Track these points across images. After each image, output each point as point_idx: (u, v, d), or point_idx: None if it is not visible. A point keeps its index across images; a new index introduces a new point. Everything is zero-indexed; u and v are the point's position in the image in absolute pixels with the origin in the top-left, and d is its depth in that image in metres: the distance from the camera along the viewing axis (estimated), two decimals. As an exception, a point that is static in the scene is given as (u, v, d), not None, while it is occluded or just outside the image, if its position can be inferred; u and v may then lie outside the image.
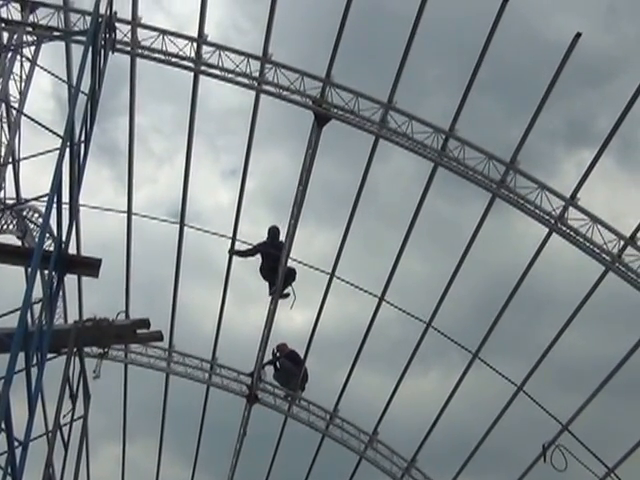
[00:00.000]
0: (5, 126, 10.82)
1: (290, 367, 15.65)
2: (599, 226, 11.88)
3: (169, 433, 17.25)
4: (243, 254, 14.49)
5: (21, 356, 5.96)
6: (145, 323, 8.23)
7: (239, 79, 12.40)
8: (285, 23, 11.96)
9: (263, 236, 14.32)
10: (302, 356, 15.51)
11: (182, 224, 14.40)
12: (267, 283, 14.45)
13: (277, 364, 15.72)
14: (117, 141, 14.69)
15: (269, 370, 16.05)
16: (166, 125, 15.62)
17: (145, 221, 14.58)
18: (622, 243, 11.78)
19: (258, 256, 14.40)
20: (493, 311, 13.50)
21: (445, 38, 12.30)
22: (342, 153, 14.49)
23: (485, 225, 12.81)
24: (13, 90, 10.30)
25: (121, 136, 13.61)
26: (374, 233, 15.10)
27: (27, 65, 10.14)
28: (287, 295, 14.40)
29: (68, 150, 6.79)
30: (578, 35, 10.83)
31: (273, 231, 14.13)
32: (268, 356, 15.88)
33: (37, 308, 7.09)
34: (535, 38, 12.07)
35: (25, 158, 9.27)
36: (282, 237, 14.05)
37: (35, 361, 6.43)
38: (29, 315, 6.09)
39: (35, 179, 11.94)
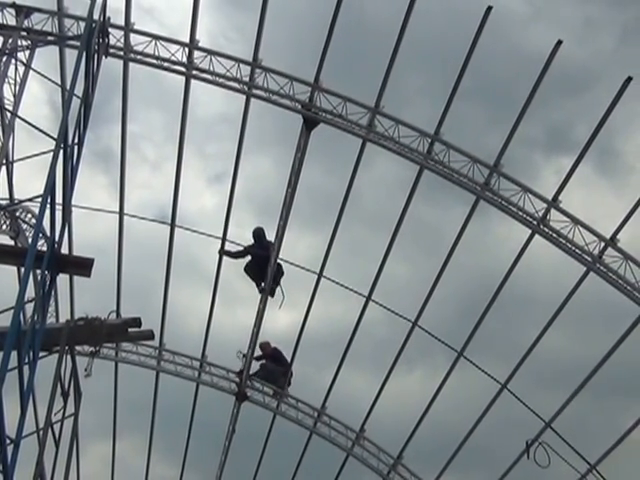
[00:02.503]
0: (-1, 129, 10.97)
1: (274, 369, 15.93)
2: (580, 228, 12.14)
3: (158, 431, 17.39)
4: (233, 255, 14.72)
5: (13, 354, 6.04)
6: (136, 322, 8.35)
7: (230, 83, 12.62)
8: (274, 30, 12.19)
9: (248, 238, 14.58)
10: (284, 354, 15.76)
11: (173, 225, 14.67)
12: (254, 282, 14.69)
13: (263, 363, 16.00)
14: (111, 148, 14.95)
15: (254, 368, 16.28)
16: (155, 132, 15.92)
17: (135, 226, 14.86)
18: (602, 244, 12.04)
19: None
20: (476, 313, 13.74)
21: (428, 49, 12.57)
22: (326, 159, 14.77)
23: (468, 229, 13.06)
24: (7, 94, 10.46)
25: (115, 143, 13.89)
26: (358, 237, 15.41)
27: (22, 69, 10.29)
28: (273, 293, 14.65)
29: (62, 152, 6.95)
30: (559, 42, 11.10)
31: (258, 232, 14.35)
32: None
33: (30, 307, 7.20)
34: (514, 50, 12.38)
35: (19, 160, 9.41)
36: (268, 237, 14.29)
37: (27, 359, 6.50)
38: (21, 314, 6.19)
39: (28, 184, 12.11)
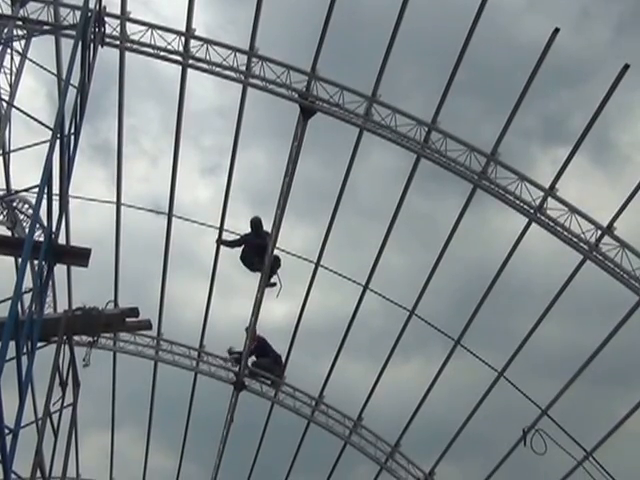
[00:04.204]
0: (-5, 118, 10.92)
1: (264, 364, 16.01)
2: (577, 216, 12.18)
3: (156, 421, 17.47)
4: (230, 244, 14.75)
5: (12, 345, 6.02)
6: (134, 312, 8.36)
7: (226, 72, 12.58)
8: (271, 19, 12.14)
9: (243, 229, 14.61)
10: (269, 342, 15.84)
11: (170, 215, 14.69)
12: (250, 270, 14.73)
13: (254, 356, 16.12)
14: (109, 141, 14.95)
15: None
16: (152, 124, 15.90)
17: (131, 218, 14.86)
18: (599, 232, 12.09)
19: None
20: (473, 302, 13.79)
21: (425, 38, 12.55)
22: (321, 151, 14.76)
23: (464, 219, 13.08)
24: (3, 83, 10.44)
25: (113, 136, 13.88)
26: (355, 227, 15.41)
27: (17, 59, 10.26)
28: (274, 284, 14.66)
29: (58, 142, 6.94)
30: (556, 30, 11.09)
31: (255, 222, 14.39)
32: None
33: (27, 298, 7.20)
34: (511, 41, 12.39)
35: (16, 150, 9.41)
36: (265, 227, 14.32)
37: (26, 350, 6.51)
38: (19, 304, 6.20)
39: (25, 175, 12.11)
